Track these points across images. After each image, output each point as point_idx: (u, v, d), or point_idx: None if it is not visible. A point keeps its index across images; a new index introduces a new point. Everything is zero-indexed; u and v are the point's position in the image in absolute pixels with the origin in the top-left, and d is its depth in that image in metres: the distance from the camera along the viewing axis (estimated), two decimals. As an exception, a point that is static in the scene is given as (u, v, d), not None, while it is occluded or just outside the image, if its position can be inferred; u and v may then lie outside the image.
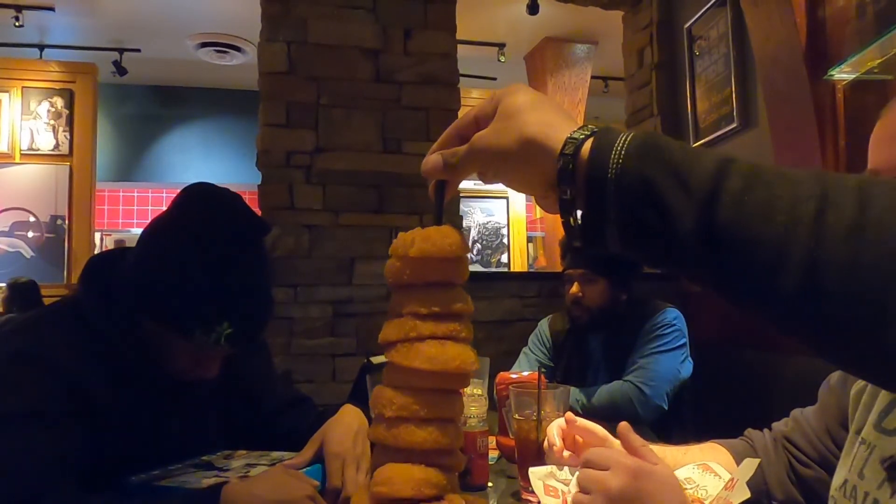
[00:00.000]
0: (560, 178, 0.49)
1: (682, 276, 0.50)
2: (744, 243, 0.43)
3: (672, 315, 2.03)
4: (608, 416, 1.85)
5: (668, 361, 1.96)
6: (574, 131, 0.50)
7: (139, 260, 1.03)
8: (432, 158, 0.57)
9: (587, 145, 0.49)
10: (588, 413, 1.77)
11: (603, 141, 0.48)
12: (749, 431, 1.00)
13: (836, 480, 0.77)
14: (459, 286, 0.59)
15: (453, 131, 0.58)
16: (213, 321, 0.98)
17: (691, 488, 0.85)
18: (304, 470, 1.04)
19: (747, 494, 0.75)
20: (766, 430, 0.99)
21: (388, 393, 0.58)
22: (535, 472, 0.88)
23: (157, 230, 1.04)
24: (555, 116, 0.52)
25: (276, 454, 1.15)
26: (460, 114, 3.03)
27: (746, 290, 0.45)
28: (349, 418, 1.13)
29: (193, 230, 1.01)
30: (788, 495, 0.91)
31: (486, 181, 0.58)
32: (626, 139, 0.48)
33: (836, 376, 0.90)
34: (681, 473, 0.88)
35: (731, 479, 0.80)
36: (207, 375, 1.08)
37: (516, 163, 0.52)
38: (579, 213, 0.50)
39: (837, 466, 0.79)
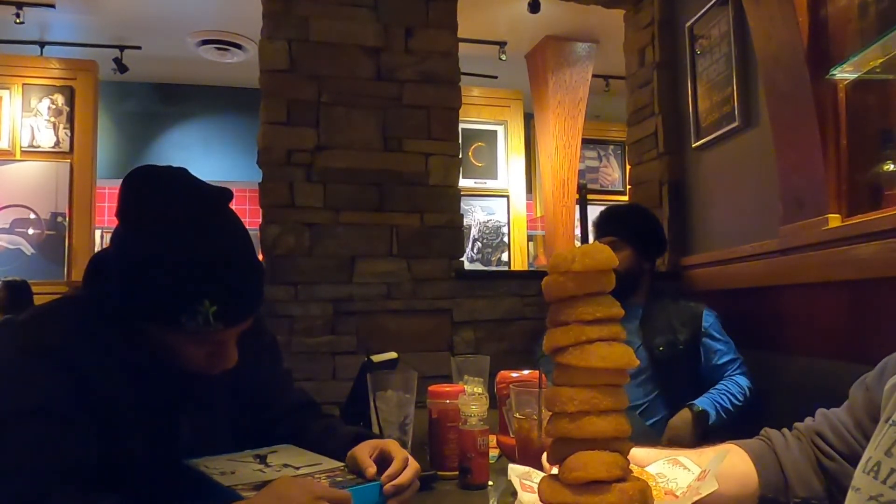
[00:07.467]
0: None
1: None
2: None
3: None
4: (731, 419, 2.01)
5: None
6: None
7: (113, 263, 0.99)
8: None
9: None
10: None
11: None
12: (766, 430, 0.99)
13: (861, 462, 0.77)
14: (609, 294, 0.67)
15: None
16: (192, 302, 0.93)
17: (663, 482, 0.86)
18: (364, 486, 0.98)
19: (716, 486, 0.77)
20: (785, 429, 0.98)
21: (567, 391, 0.66)
22: (514, 470, 0.89)
23: (118, 228, 0.99)
24: None
25: (328, 462, 1.08)
26: (461, 112, 3.05)
27: None
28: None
29: (144, 217, 0.96)
30: (811, 492, 0.89)
31: None
32: None
33: (871, 374, 0.90)
34: (652, 469, 0.90)
35: (703, 471, 0.82)
36: (228, 364, 1.04)
37: None
38: None
39: (865, 452, 0.78)
